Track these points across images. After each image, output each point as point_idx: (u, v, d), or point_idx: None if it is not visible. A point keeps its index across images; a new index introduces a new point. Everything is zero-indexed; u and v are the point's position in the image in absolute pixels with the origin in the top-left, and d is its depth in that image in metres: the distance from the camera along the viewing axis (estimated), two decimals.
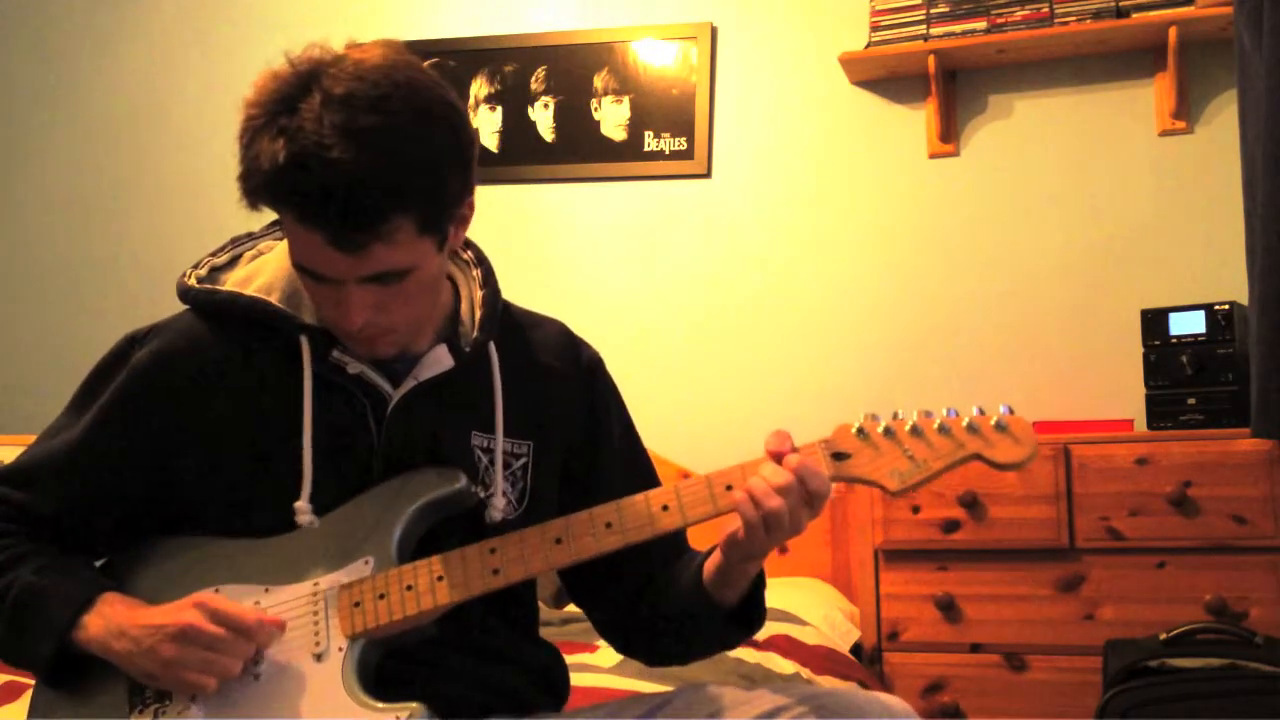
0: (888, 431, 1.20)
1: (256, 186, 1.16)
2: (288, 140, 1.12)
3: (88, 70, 3.87)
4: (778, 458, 1.20)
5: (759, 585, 1.32)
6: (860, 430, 1.21)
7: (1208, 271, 2.98)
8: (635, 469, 1.43)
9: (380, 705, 1.17)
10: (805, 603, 2.67)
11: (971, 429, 1.20)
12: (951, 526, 2.69)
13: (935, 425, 1.20)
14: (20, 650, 1.26)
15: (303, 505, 1.24)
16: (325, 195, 1.12)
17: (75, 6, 3.90)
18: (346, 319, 1.21)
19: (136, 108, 3.81)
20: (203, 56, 3.77)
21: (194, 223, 3.67)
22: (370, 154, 1.12)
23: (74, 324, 3.77)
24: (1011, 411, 1.21)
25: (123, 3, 3.86)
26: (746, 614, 1.32)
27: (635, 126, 3.42)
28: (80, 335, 3.72)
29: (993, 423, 1.20)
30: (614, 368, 1.49)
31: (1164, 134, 3.08)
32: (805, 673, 2.17)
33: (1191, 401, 2.72)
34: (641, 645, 1.43)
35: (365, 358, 1.28)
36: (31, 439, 1.36)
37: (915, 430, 1.20)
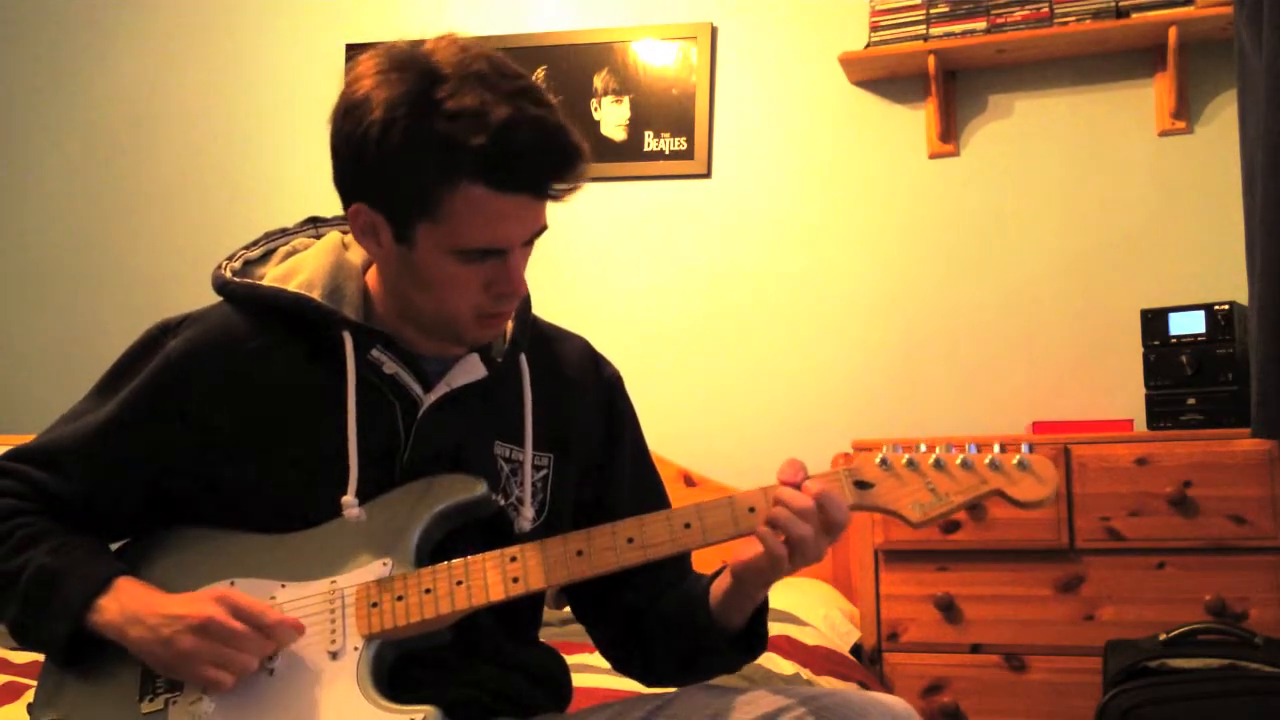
0: (910, 463, 1.22)
1: (458, 164, 1.16)
2: (479, 113, 1.14)
3: (88, 71, 3.86)
4: (793, 487, 1.20)
5: (762, 610, 1.32)
6: (883, 460, 1.22)
7: (1208, 271, 2.97)
8: (644, 491, 1.43)
9: (394, 707, 1.17)
10: (805, 603, 2.67)
11: (994, 466, 1.21)
12: (951, 527, 2.68)
13: (958, 460, 1.21)
14: (34, 631, 1.25)
15: (349, 499, 1.24)
16: (550, 144, 1.17)
17: (76, 6, 3.90)
18: (513, 283, 1.24)
19: (137, 109, 3.81)
20: (204, 57, 3.76)
21: (195, 223, 3.66)
22: (550, 105, 1.19)
23: (74, 325, 3.77)
24: (1033, 450, 1.22)
25: (123, 2, 3.85)
26: (749, 639, 1.33)
27: (635, 126, 3.42)
28: (81, 336, 3.72)
29: (1015, 461, 1.21)
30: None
31: (1164, 134, 3.08)
32: (805, 673, 2.17)
33: (1191, 401, 2.72)
34: (641, 665, 1.43)
35: (403, 359, 1.28)
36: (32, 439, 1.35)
37: (938, 464, 1.21)
